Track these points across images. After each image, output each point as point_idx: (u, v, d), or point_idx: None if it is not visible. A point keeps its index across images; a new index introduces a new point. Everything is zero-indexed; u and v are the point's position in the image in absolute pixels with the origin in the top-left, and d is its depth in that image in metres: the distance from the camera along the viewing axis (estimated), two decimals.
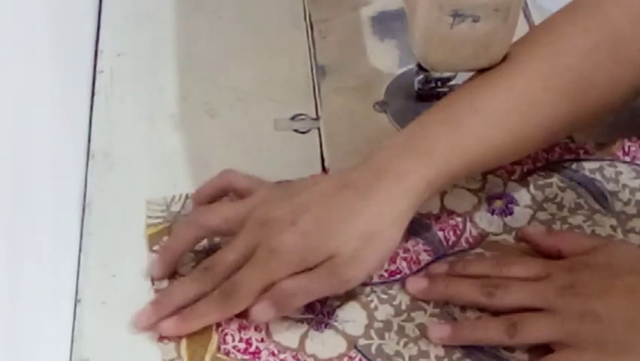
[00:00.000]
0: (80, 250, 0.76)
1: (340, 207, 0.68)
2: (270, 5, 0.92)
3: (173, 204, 0.77)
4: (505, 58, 0.73)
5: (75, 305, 0.73)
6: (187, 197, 0.78)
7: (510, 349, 0.68)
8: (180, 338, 0.69)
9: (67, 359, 0.70)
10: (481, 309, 0.70)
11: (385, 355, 0.68)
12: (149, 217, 0.77)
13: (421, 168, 0.69)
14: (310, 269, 0.68)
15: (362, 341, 0.69)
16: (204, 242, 0.75)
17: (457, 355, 0.68)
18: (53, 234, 0.71)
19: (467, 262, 0.72)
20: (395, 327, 0.70)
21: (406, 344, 0.69)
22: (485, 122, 0.70)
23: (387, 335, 0.69)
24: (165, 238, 0.75)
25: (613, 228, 0.74)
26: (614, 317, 0.65)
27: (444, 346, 0.68)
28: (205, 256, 0.73)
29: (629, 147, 0.79)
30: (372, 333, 0.70)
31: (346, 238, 0.67)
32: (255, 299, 0.68)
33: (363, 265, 0.68)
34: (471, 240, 0.74)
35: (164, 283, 0.73)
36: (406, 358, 0.68)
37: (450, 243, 0.74)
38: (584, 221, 0.75)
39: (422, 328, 0.70)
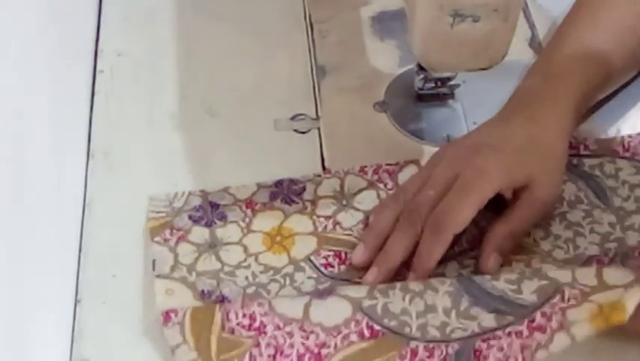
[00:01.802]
0: (79, 250, 0.76)
1: (519, 134, 0.73)
2: (270, 5, 0.92)
3: (176, 200, 0.77)
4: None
5: (75, 305, 0.73)
6: (190, 193, 0.78)
7: (518, 291, 0.67)
8: (184, 319, 0.69)
9: (67, 359, 0.70)
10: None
11: (392, 314, 0.67)
12: (151, 212, 0.77)
13: (565, 92, 0.75)
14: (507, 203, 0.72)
15: (367, 303, 0.68)
16: (206, 237, 0.75)
17: (465, 304, 0.67)
18: (53, 234, 0.71)
19: None
20: (398, 284, 0.69)
21: (411, 300, 0.68)
22: (601, 45, 0.77)
23: (391, 292, 0.68)
24: (167, 231, 0.75)
25: (612, 225, 0.74)
26: None
27: (450, 297, 0.68)
28: (207, 249, 0.74)
29: (628, 142, 0.79)
30: (376, 293, 0.68)
31: (537, 159, 0.72)
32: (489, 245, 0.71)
33: (556, 182, 0.73)
34: (471, 238, 0.74)
35: (166, 269, 0.73)
36: (413, 315, 0.67)
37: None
38: (583, 218, 0.75)
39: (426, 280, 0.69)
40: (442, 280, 0.69)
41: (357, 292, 0.69)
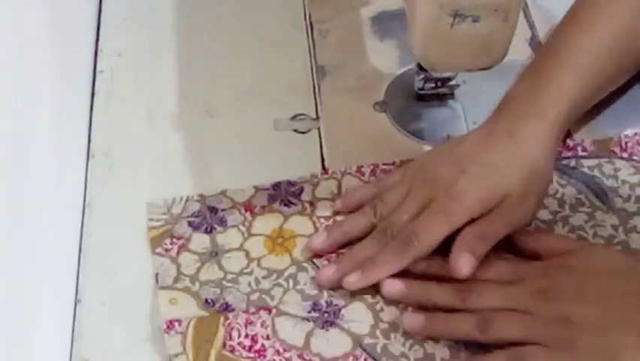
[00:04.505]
0: (79, 250, 0.76)
1: (499, 150, 0.72)
2: (270, 5, 0.92)
3: (174, 206, 0.77)
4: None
5: (75, 305, 0.73)
6: (188, 199, 0.77)
7: None
8: (186, 330, 0.69)
9: (67, 359, 0.70)
10: None
11: (391, 354, 0.68)
12: (150, 220, 0.76)
13: (553, 108, 0.74)
14: (483, 215, 0.71)
15: (367, 340, 0.69)
16: (207, 244, 0.75)
17: (463, 358, 0.68)
18: (53, 234, 0.71)
19: (442, 266, 0.71)
20: (401, 329, 0.69)
21: (411, 346, 0.69)
22: (594, 55, 0.76)
23: (393, 335, 0.69)
24: (167, 240, 0.75)
25: (614, 227, 0.74)
26: (586, 322, 0.65)
27: (450, 349, 0.68)
28: (208, 258, 0.74)
29: (626, 142, 0.79)
30: (378, 333, 0.69)
31: (514, 177, 0.71)
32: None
33: (531, 201, 0.72)
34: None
35: (169, 281, 0.72)
36: (412, 359, 0.68)
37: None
38: (586, 221, 0.75)
39: None
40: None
41: (360, 328, 0.70)
